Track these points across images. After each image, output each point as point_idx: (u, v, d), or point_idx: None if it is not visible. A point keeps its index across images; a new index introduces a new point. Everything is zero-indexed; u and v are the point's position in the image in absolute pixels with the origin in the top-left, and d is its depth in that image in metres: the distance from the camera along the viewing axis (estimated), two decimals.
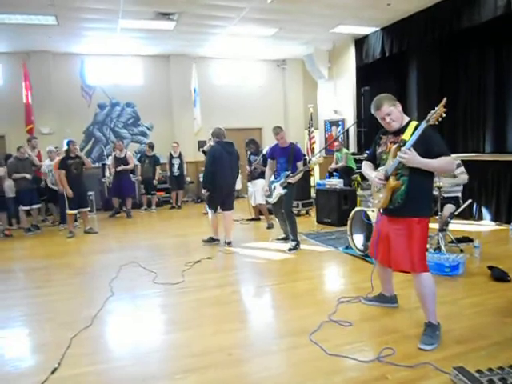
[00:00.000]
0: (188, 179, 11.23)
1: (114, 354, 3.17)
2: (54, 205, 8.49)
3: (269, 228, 7.44)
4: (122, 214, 9.47)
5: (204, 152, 7.07)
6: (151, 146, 10.37)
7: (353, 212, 5.54)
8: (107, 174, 9.70)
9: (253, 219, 8.26)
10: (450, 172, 3.39)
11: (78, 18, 8.03)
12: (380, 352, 2.88)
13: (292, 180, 5.77)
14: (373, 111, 3.11)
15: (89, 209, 7.91)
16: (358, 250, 5.36)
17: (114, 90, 11.26)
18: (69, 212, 7.41)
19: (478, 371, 2.47)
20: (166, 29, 8.90)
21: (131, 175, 9.82)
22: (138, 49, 10.72)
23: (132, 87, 11.47)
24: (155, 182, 10.18)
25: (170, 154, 10.50)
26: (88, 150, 11.18)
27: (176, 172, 10.46)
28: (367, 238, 5.16)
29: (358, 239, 5.47)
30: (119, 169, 9.19)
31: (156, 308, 4.07)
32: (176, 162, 10.44)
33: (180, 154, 10.51)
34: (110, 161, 9.64)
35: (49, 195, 8.39)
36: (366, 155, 3.58)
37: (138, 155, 10.99)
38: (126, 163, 9.32)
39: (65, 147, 8.14)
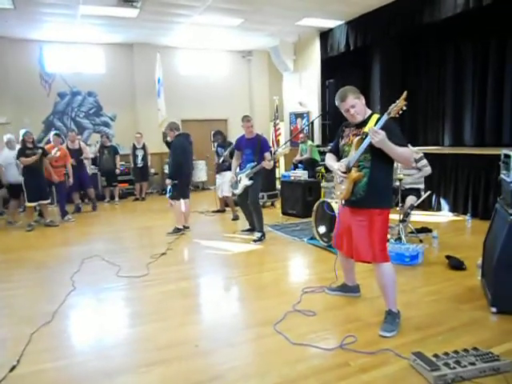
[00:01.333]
0: (152, 171, 11.06)
1: (76, 350, 3.11)
2: (16, 199, 7.75)
3: (234, 220, 7.44)
4: (85, 206, 9.20)
5: (168, 143, 6.94)
6: (108, 137, 10.28)
7: (317, 203, 5.62)
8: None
9: (218, 211, 8.25)
10: (408, 164, 3.50)
11: (36, 2, 7.69)
12: (343, 340, 2.95)
13: (267, 166, 5.74)
14: (337, 103, 3.15)
15: (49, 201, 7.66)
16: (322, 240, 5.45)
17: (74, 79, 10.90)
18: (28, 204, 7.18)
19: (435, 355, 2.57)
20: (128, 16, 8.66)
21: (92, 166, 9.56)
22: (100, 36, 10.41)
23: (94, 76, 11.14)
24: (118, 171, 10.05)
25: (134, 145, 10.31)
26: (48, 141, 10.80)
27: (140, 163, 10.30)
28: (331, 229, 5.24)
29: (322, 230, 5.56)
30: (82, 157, 8.85)
31: (120, 301, 4.01)
32: (140, 153, 10.28)
33: (144, 145, 10.34)
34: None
35: (10, 192, 7.71)
36: (329, 147, 3.64)
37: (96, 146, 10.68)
38: (80, 154, 8.93)
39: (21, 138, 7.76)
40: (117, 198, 10.15)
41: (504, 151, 3.53)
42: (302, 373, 2.61)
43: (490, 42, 7.68)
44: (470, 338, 2.93)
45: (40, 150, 7.26)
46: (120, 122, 11.49)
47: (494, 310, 3.31)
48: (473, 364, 2.47)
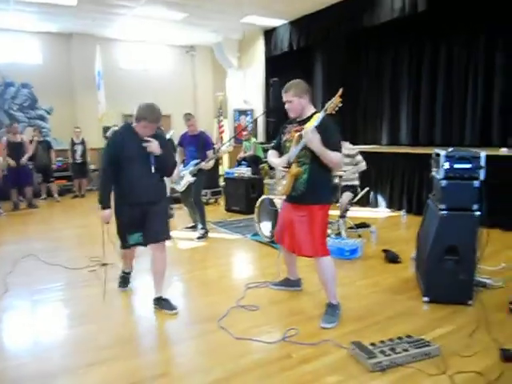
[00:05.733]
0: (92, 167, 10.65)
1: (11, 353, 2.97)
2: None
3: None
4: (22, 204, 8.72)
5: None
6: (40, 131, 9.82)
7: (260, 200, 5.69)
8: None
9: None
10: (336, 169, 3.69)
11: None
12: (285, 333, 3.02)
13: (205, 166, 5.76)
14: (282, 92, 3.24)
15: None
16: (265, 236, 5.52)
17: (7, 69, 10.24)
18: None
19: (372, 344, 2.70)
20: (67, 4, 8.26)
21: (29, 162, 9.12)
22: (36, 25, 9.87)
23: (29, 66, 10.55)
24: (54, 167, 9.63)
25: (72, 140, 9.88)
26: None
27: (79, 159, 9.89)
28: (274, 225, 5.32)
29: (266, 226, 5.64)
30: (26, 157, 8.44)
31: (57, 302, 3.85)
32: (78, 148, 9.86)
33: (83, 139, 9.94)
34: None
35: None
36: (272, 144, 3.71)
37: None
38: (22, 149, 8.51)
39: None
40: (56, 195, 9.69)
41: (436, 150, 3.74)
42: (246, 366, 2.65)
43: (424, 46, 8.08)
44: (405, 326, 3.10)
45: None
46: (57, 116, 10.96)
47: (426, 299, 3.53)
48: (406, 350, 2.63)
